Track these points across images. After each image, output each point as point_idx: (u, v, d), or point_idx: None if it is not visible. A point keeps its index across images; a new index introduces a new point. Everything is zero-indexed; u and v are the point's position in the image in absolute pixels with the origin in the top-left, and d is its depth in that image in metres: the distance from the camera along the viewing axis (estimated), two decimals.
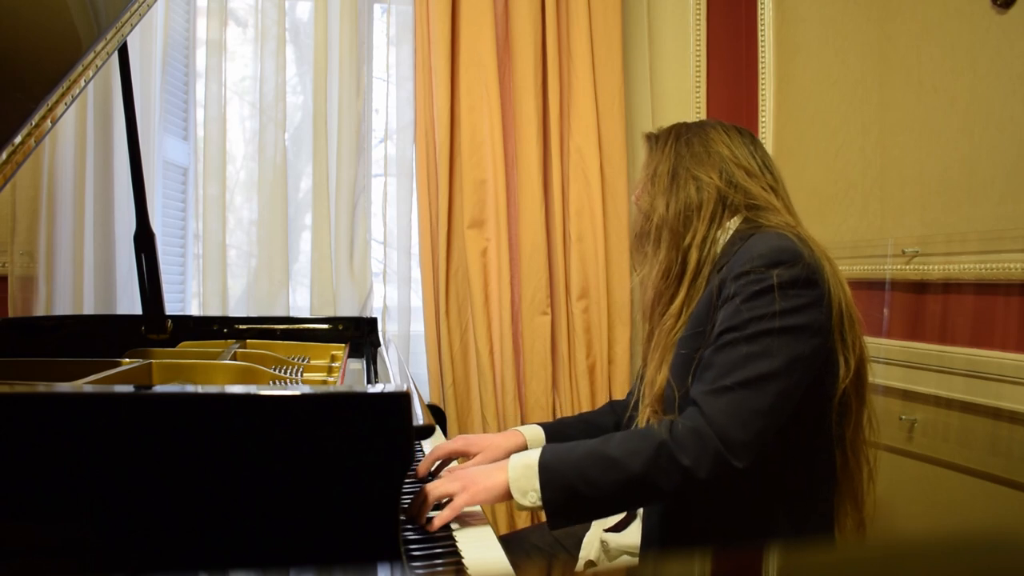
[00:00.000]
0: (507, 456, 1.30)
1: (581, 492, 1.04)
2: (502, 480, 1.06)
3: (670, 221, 1.21)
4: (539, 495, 1.04)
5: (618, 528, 1.26)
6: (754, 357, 1.05)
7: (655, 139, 1.31)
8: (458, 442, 1.28)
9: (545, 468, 1.05)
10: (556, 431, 1.37)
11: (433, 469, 1.25)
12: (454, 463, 1.28)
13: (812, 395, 1.10)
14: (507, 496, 1.05)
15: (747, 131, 1.30)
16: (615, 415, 1.45)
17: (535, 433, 1.35)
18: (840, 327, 1.12)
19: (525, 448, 1.33)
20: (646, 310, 1.28)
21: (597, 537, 1.26)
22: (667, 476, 1.02)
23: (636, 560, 1.23)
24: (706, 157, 1.23)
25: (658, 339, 1.22)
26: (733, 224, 1.20)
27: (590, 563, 1.27)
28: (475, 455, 1.26)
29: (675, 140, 1.27)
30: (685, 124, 1.31)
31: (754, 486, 1.09)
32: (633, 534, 1.22)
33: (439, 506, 1.06)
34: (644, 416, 1.22)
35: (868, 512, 1.20)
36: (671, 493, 1.04)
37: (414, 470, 1.24)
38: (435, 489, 1.06)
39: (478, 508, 1.12)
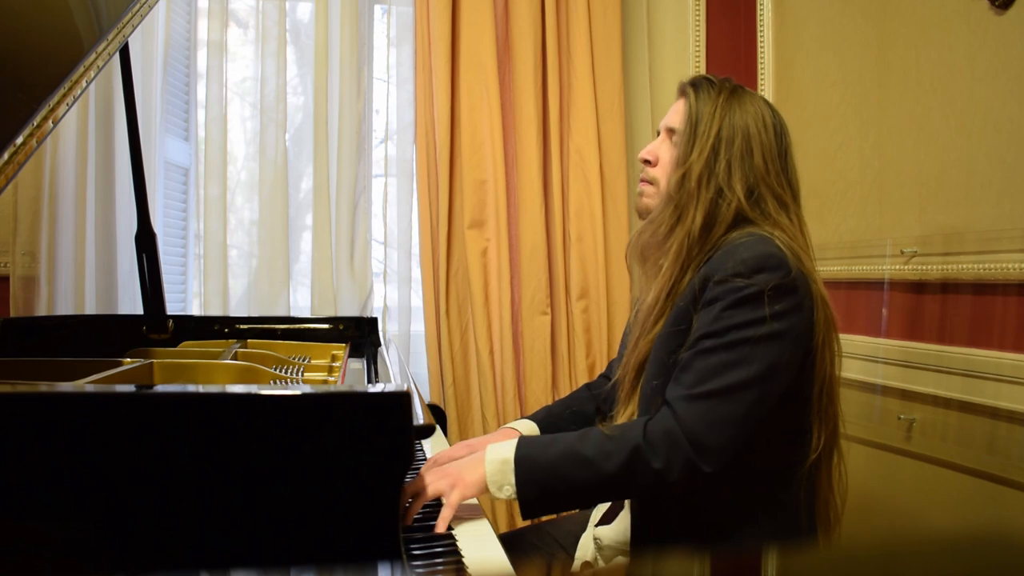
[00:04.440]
0: None
1: (554, 488, 1.07)
2: (482, 474, 1.08)
3: (693, 235, 1.18)
4: (514, 489, 1.07)
5: (607, 520, 1.27)
6: (731, 365, 1.06)
7: (697, 97, 1.23)
8: (461, 449, 1.28)
9: (520, 463, 1.07)
10: (549, 424, 1.39)
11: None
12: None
13: (792, 397, 1.12)
14: (487, 490, 1.08)
15: (783, 124, 1.26)
16: (594, 399, 1.47)
17: (529, 428, 1.37)
18: (825, 331, 1.13)
19: None
20: (640, 316, 1.26)
21: (591, 536, 1.27)
22: (639, 478, 1.05)
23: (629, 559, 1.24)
24: (739, 163, 1.19)
25: (639, 343, 1.22)
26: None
27: (587, 564, 1.28)
28: None
29: (719, 126, 1.20)
30: (733, 100, 1.23)
31: (729, 486, 1.11)
32: (623, 526, 1.22)
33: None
34: (624, 413, 1.23)
35: (841, 501, 1.21)
36: (642, 494, 1.08)
37: (415, 470, 1.24)
38: (427, 488, 1.07)
39: (475, 501, 1.14)
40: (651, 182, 1.28)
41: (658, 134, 1.31)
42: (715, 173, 1.18)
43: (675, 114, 1.27)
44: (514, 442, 1.10)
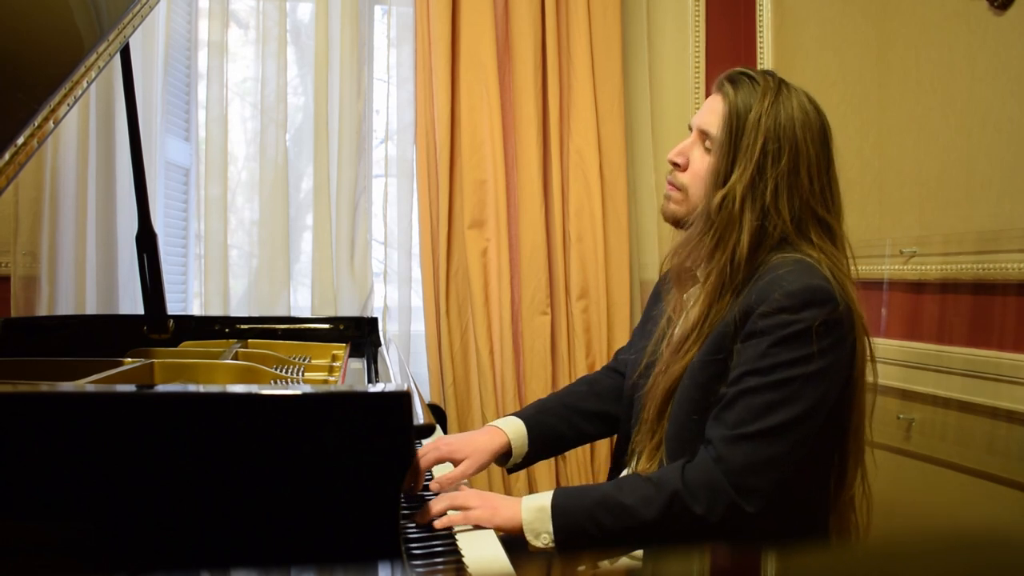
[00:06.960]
0: (493, 458, 1.29)
1: (594, 536, 1.05)
2: (518, 518, 1.06)
3: (738, 261, 1.11)
4: (552, 538, 1.05)
5: None
6: (777, 405, 1.02)
7: (737, 97, 1.15)
8: (440, 450, 1.24)
9: (558, 513, 1.05)
10: (536, 422, 1.34)
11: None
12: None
13: (828, 426, 1.08)
14: (520, 532, 1.06)
15: (827, 123, 1.19)
16: (596, 397, 1.42)
17: (516, 428, 1.32)
18: (862, 359, 1.11)
19: (508, 446, 1.30)
20: (675, 340, 1.20)
21: None
22: (679, 523, 1.03)
23: (637, 562, 1.23)
24: (786, 184, 1.12)
25: (670, 366, 1.17)
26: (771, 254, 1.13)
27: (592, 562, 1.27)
28: (460, 461, 1.23)
29: (764, 138, 1.12)
30: (778, 103, 1.15)
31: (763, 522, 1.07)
32: None
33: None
34: (650, 443, 1.19)
35: (863, 521, 1.20)
36: (683, 540, 1.03)
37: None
38: (456, 498, 1.07)
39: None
40: (679, 188, 1.21)
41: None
42: (760, 195, 1.12)
43: (710, 114, 1.18)
44: (550, 492, 1.08)
